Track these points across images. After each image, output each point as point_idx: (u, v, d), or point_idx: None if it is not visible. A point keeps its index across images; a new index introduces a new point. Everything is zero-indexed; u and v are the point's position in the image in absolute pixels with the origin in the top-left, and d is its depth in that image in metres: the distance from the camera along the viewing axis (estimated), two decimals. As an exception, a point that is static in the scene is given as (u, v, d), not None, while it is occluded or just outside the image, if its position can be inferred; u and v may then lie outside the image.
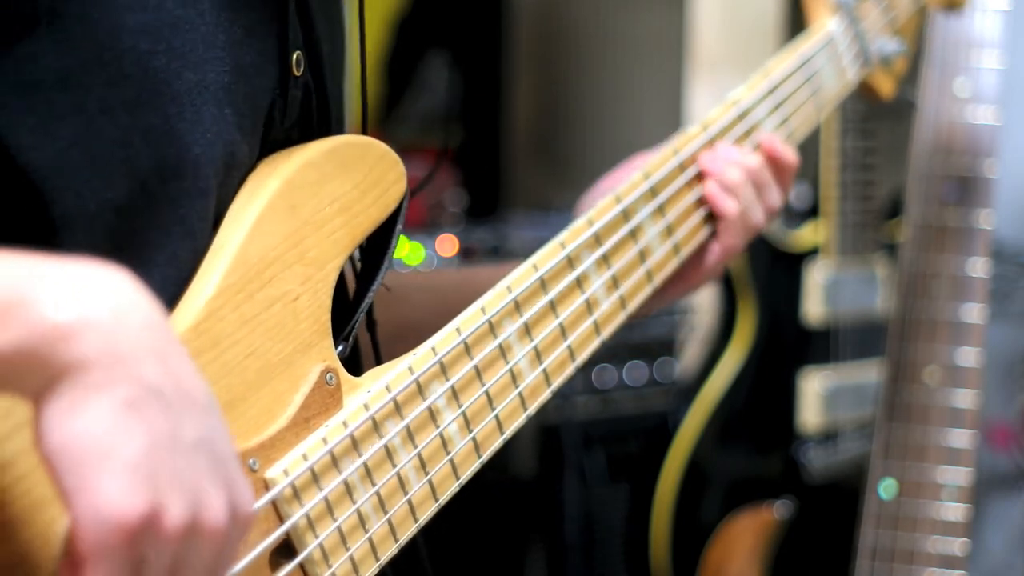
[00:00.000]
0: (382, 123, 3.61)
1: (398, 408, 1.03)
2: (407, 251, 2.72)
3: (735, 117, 1.36)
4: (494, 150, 3.37)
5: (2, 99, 0.88)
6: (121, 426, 0.76)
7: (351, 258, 1.05)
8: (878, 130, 2.38)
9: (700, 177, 1.33)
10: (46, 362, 0.76)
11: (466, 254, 2.74)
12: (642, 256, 1.26)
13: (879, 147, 2.38)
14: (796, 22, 2.76)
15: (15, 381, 0.77)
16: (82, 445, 0.75)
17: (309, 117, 1.05)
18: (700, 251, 1.35)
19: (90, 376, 0.76)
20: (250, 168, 1.01)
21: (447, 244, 2.73)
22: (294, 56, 1.02)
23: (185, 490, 0.78)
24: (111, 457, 0.76)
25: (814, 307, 2.46)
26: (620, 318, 1.23)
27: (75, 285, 0.78)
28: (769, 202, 1.36)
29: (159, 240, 0.94)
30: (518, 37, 3.43)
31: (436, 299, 1.28)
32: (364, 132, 1.11)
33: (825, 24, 1.50)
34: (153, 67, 0.92)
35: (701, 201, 1.33)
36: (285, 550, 0.96)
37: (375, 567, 1.01)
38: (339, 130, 1.09)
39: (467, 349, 1.09)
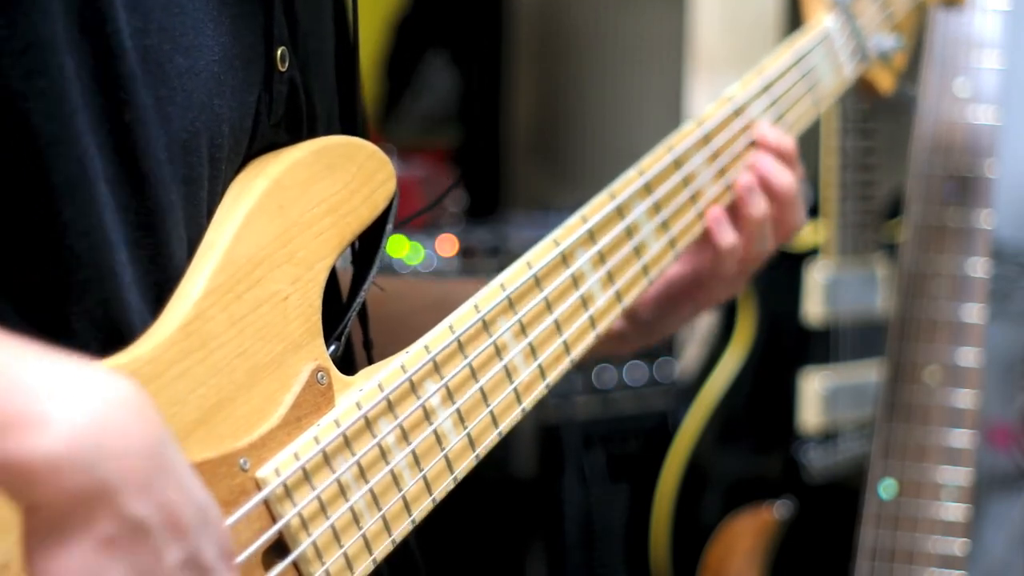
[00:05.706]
0: (382, 123, 3.60)
1: (391, 406, 1.03)
2: (407, 251, 2.72)
3: (730, 113, 1.37)
4: (494, 150, 3.37)
5: (16, 59, 0.86)
6: (99, 564, 0.76)
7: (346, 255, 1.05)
8: (878, 130, 2.38)
9: (694, 175, 1.33)
10: (30, 487, 0.74)
11: (466, 254, 2.74)
12: (637, 252, 1.26)
13: (879, 147, 2.38)
14: (796, 22, 2.76)
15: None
16: None
17: (296, 114, 1.04)
18: (714, 257, 1.36)
19: (72, 512, 0.75)
20: (236, 165, 1.00)
21: (447, 244, 2.73)
22: (279, 51, 1.02)
23: None
24: None
25: (814, 307, 2.46)
26: (616, 312, 1.23)
27: (70, 399, 0.75)
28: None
29: (154, 222, 0.93)
30: (518, 37, 3.43)
31: (430, 300, 1.27)
32: (361, 132, 1.11)
33: (821, 21, 1.52)
34: (144, 45, 0.92)
35: (695, 197, 1.33)
36: (278, 549, 0.96)
37: (368, 561, 1.01)
38: (327, 129, 1.09)
39: (460, 347, 1.08)
